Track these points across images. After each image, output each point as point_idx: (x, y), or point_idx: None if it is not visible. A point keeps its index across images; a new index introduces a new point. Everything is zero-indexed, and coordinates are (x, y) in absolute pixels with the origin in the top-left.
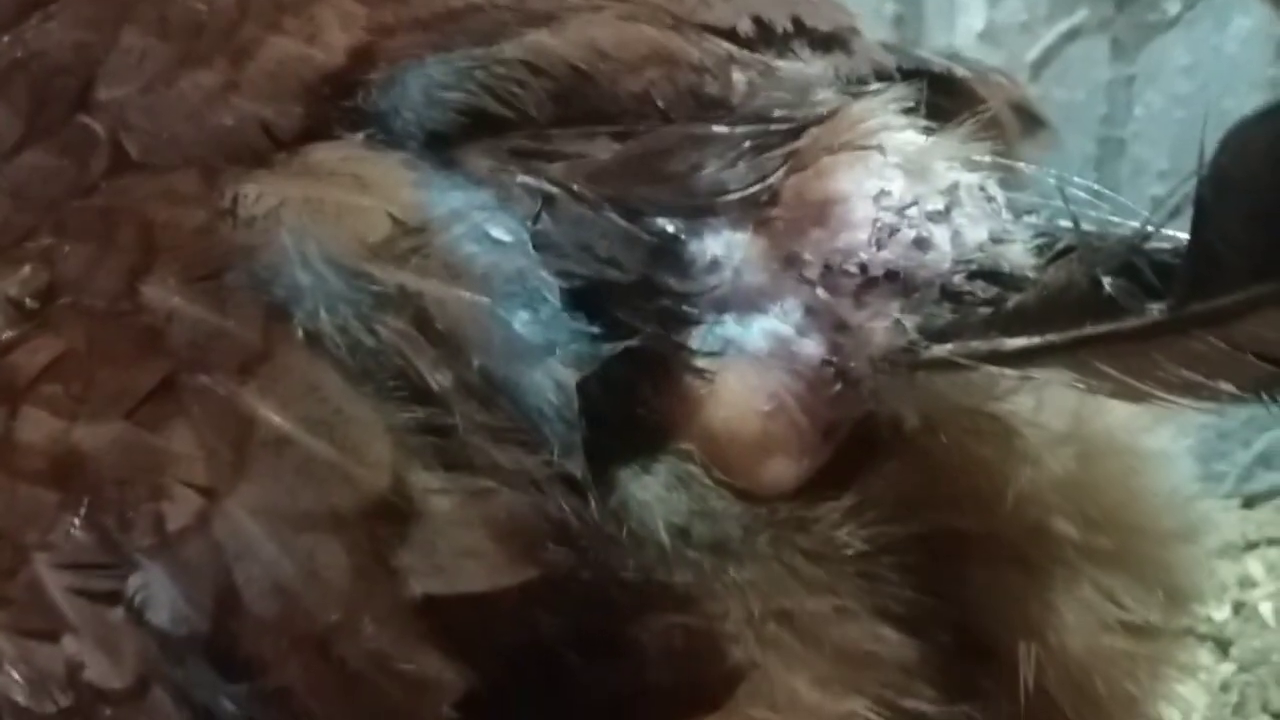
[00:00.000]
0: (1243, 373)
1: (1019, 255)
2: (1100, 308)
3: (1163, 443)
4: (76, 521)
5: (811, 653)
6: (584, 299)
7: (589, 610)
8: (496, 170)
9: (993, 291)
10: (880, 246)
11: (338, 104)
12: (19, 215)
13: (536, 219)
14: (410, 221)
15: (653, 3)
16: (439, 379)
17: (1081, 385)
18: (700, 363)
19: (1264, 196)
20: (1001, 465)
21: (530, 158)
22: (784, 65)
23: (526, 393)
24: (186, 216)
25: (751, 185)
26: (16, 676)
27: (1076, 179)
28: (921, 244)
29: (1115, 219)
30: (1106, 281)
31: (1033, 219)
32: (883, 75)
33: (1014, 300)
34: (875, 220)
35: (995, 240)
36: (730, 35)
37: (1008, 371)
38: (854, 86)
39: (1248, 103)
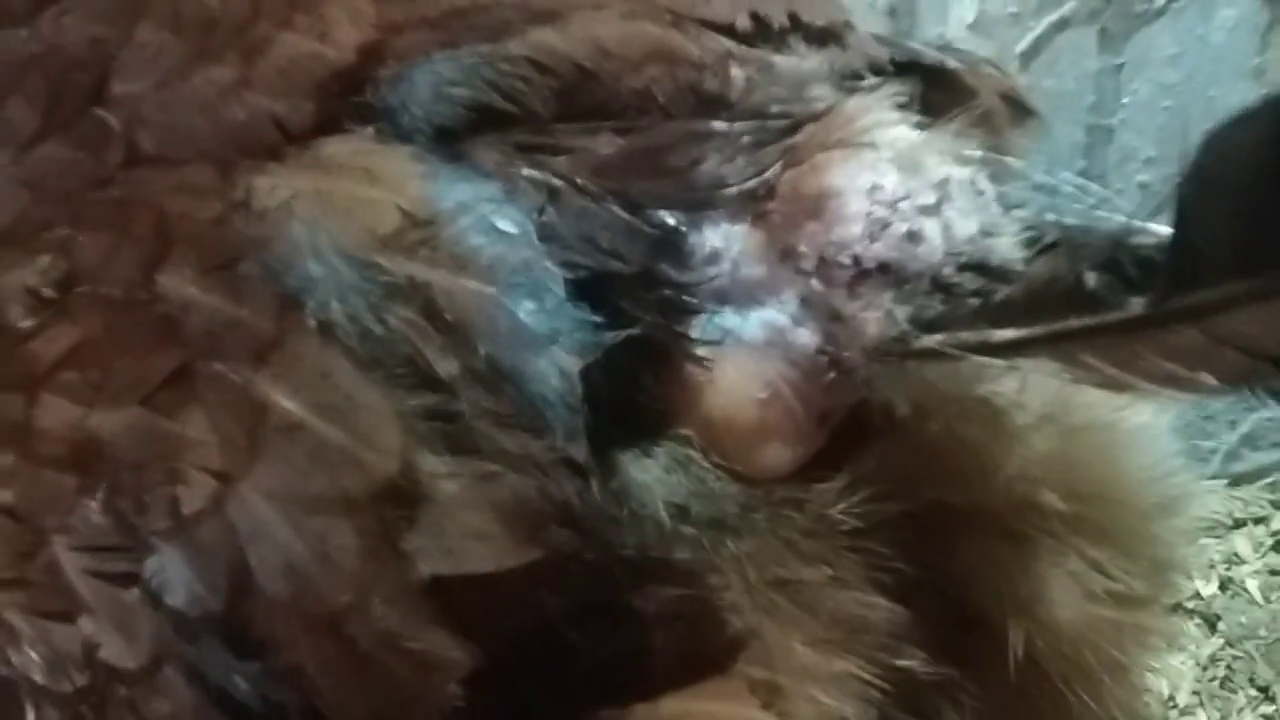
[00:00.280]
0: (1223, 366)
1: (1008, 248)
2: (1085, 301)
3: (1144, 418)
4: (94, 505)
5: (806, 617)
6: (587, 289)
7: (592, 589)
8: (502, 164)
9: (982, 283)
10: (873, 239)
11: (348, 99)
12: (37, 207)
13: (542, 212)
14: (419, 214)
15: (654, 0)
16: (446, 367)
17: (1067, 375)
18: (699, 351)
19: (1243, 196)
20: (988, 444)
21: (535, 152)
22: (781, 61)
23: (531, 380)
24: (201, 208)
25: (749, 180)
26: (35, 656)
27: (1065, 174)
28: (913, 237)
29: (1102, 212)
30: (1090, 277)
31: (1022, 212)
32: (876, 69)
33: (1002, 293)
34: (868, 214)
35: (985, 233)
36: (729, 31)
37: (995, 361)
38: (849, 81)
39: (1233, 91)
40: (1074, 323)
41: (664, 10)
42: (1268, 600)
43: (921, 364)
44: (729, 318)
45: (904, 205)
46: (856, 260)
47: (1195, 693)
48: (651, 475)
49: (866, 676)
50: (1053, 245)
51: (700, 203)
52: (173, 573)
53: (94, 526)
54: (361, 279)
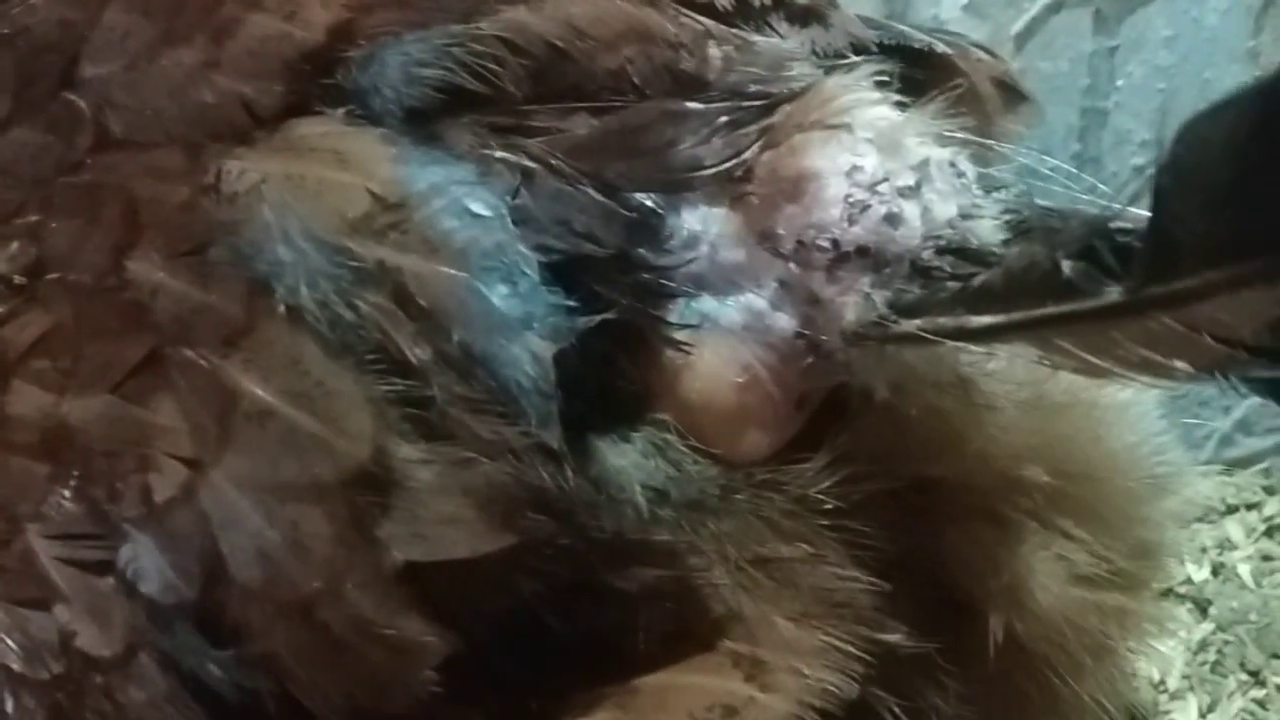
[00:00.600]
0: (1199, 353)
1: (987, 231)
2: (1062, 288)
3: (1130, 396)
4: (67, 493)
5: (787, 593)
6: (562, 273)
7: (569, 573)
8: (476, 146)
9: (961, 267)
10: (852, 222)
11: (318, 81)
12: (7, 192)
13: (515, 194)
14: (389, 197)
15: None
16: (418, 352)
17: (1043, 362)
18: (676, 335)
19: (1219, 186)
20: (967, 416)
21: (509, 133)
22: (760, 40)
23: (504, 365)
24: (170, 192)
25: (726, 161)
26: (11, 644)
27: (1046, 158)
28: (892, 220)
29: (1084, 196)
30: (1065, 265)
31: (1002, 194)
32: (860, 49)
33: (980, 278)
34: (847, 196)
35: (964, 216)
36: (708, 10)
37: (973, 347)
38: (830, 60)
39: (1228, 74)
40: (1051, 309)
41: None
42: (1259, 585)
43: (900, 348)
44: (706, 301)
45: (883, 187)
46: (835, 243)
47: (1186, 677)
48: (629, 460)
49: (849, 650)
50: (1030, 232)
51: (677, 184)
52: (146, 560)
53: (67, 514)
54: (331, 264)
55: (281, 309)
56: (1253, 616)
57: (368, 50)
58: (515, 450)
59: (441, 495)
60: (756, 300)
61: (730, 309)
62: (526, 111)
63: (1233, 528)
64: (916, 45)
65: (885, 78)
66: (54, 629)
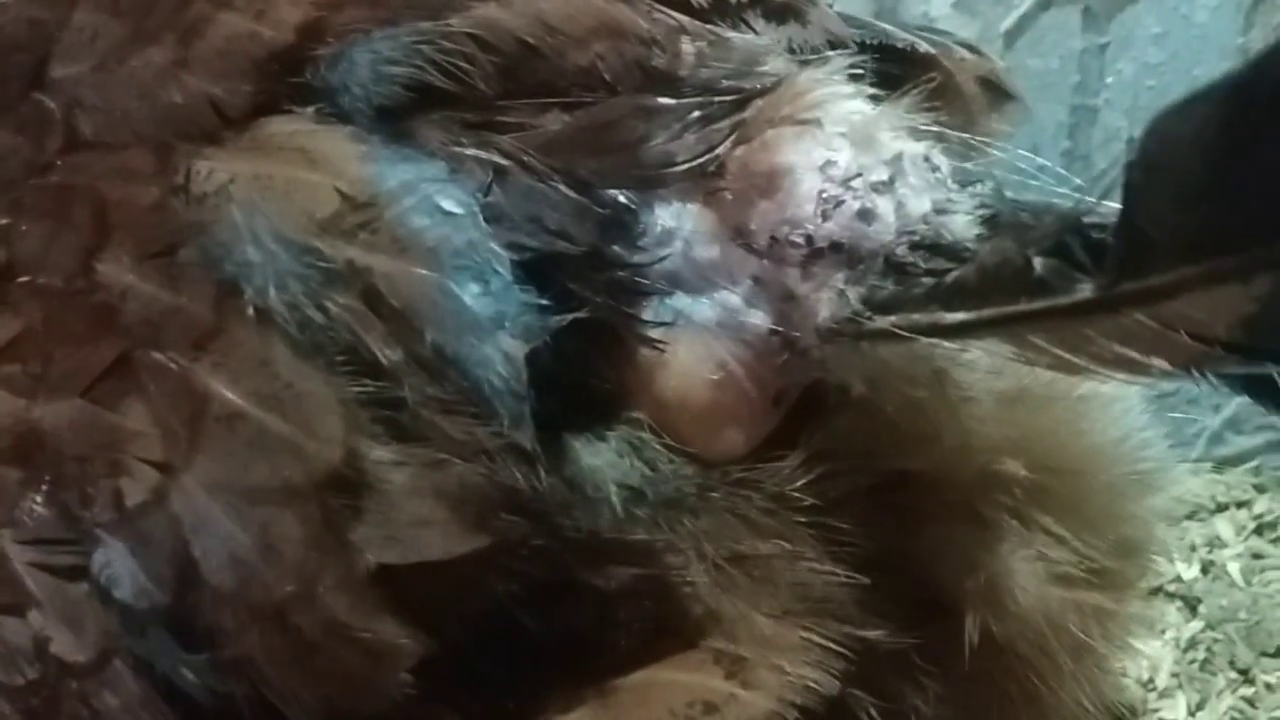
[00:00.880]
0: (1173, 350)
1: (961, 226)
2: (1035, 285)
3: (1115, 391)
4: (38, 498)
5: (766, 591)
6: (534, 271)
7: (544, 573)
8: (446, 143)
9: (935, 262)
10: (826, 218)
11: (287, 80)
12: None
13: (487, 191)
14: (358, 196)
15: None
16: (389, 353)
17: (1019, 358)
18: (650, 333)
19: (1190, 181)
20: (945, 408)
21: (480, 130)
22: (734, 36)
23: (476, 365)
24: (139, 194)
25: (699, 157)
26: None
27: (1021, 152)
28: (866, 215)
29: (1059, 190)
30: (1037, 262)
31: (977, 189)
32: (838, 47)
33: (953, 275)
34: (821, 192)
35: (938, 211)
36: (683, 6)
37: (947, 344)
38: (805, 55)
39: (1217, 71)
40: (1024, 306)
41: None
42: (1249, 583)
43: (875, 344)
44: (681, 298)
45: (857, 183)
46: (809, 239)
47: (1175, 675)
48: (603, 459)
49: (830, 647)
50: (1003, 228)
51: (649, 180)
52: (118, 565)
53: (39, 519)
54: (300, 264)
55: (250, 311)
56: (1242, 614)
57: (337, 48)
58: (488, 451)
59: (414, 497)
60: (731, 297)
61: (704, 306)
62: (497, 108)
63: (1222, 526)
64: (899, 45)
65: (859, 71)
66: (28, 635)
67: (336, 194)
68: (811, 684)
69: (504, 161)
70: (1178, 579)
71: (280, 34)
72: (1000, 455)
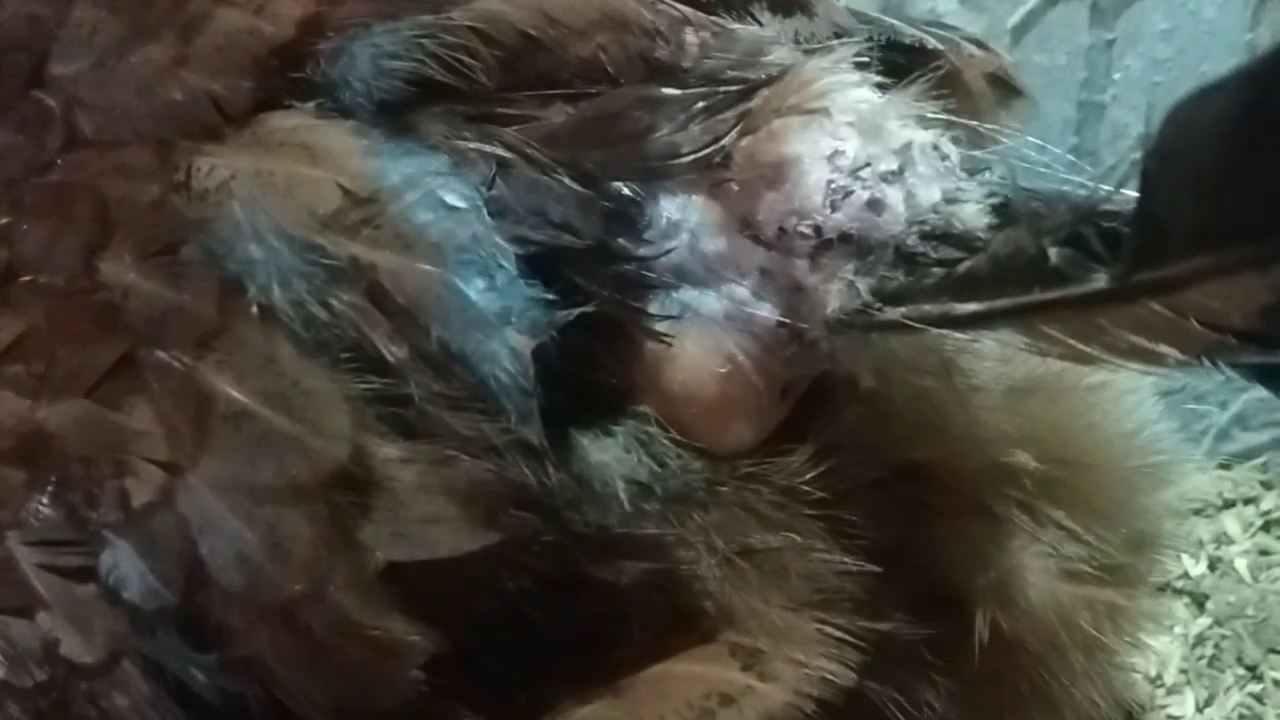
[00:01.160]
0: (1188, 339)
1: (972, 215)
2: (1049, 274)
3: (1128, 383)
4: (45, 499)
5: (778, 583)
6: (539, 265)
7: (554, 569)
8: (449, 136)
9: (946, 252)
10: (834, 209)
11: (287, 75)
12: None
13: (491, 184)
14: (360, 191)
15: None
16: (394, 350)
17: (1032, 348)
18: (657, 326)
19: (1207, 170)
20: (951, 398)
21: (483, 122)
22: (738, 27)
23: (482, 361)
24: (141, 192)
25: (704, 148)
26: None
27: (1030, 139)
28: (875, 205)
29: (1070, 179)
30: (1052, 252)
31: (987, 176)
32: (844, 37)
33: (965, 265)
34: (829, 182)
35: (948, 200)
36: (691, 1)
37: (958, 335)
38: (810, 44)
39: (1225, 67)
40: (1037, 296)
41: None
42: (1256, 580)
43: (885, 336)
44: (687, 291)
45: (865, 172)
46: (817, 230)
47: (1183, 671)
48: (611, 454)
49: (845, 639)
50: (1016, 218)
51: (654, 172)
52: (126, 566)
53: (46, 520)
54: (303, 262)
55: (254, 308)
56: (1250, 611)
57: (337, 43)
58: (496, 447)
59: (422, 494)
60: (738, 289)
61: (712, 298)
62: (500, 101)
63: (1230, 522)
64: (907, 41)
65: (865, 60)
66: (37, 637)
67: (339, 190)
68: (828, 676)
69: (507, 155)
70: (1185, 575)
71: (280, 29)
72: (1011, 447)
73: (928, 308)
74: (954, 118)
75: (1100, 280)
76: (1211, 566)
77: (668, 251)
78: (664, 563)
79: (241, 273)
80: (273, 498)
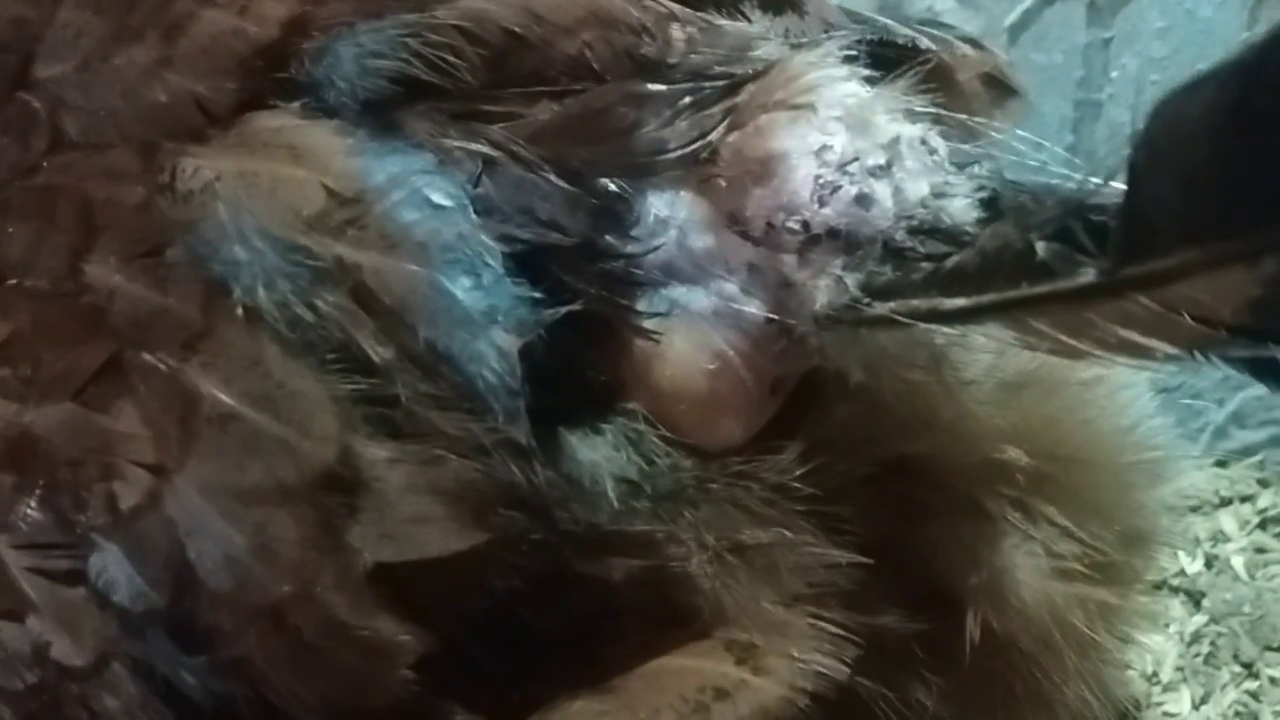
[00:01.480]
0: (1178, 333)
1: (960, 210)
2: (1037, 269)
3: (1124, 378)
4: (33, 503)
5: (771, 578)
6: (526, 263)
7: (543, 568)
8: (434, 134)
9: (934, 247)
10: (822, 204)
11: (271, 76)
12: None
13: (477, 182)
14: (345, 192)
15: None
16: (380, 350)
17: (1020, 343)
18: (646, 324)
19: (1194, 164)
20: (941, 392)
21: (468, 120)
22: (725, 23)
23: (469, 361)
24: (125, 193)
25: (691, 143)
26: None
27: (1019, 132)
28: (863, 200)
29: (1058, 171)
30: (1039, 246)
31: (975, 170)
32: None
33: (953, 260)
34: (817, 177)
35: (937, 195)
36: None
37: (947, 329)
38: (800, 40)
39: None
40: (1025, 291)
41: None
42: (1253, 578)
43: (874, 331)
44: (676, 288)
45: (853, 167)
46: (805, 226)
47: (1179, 669)
48: (600, 453)
49: (839, 633)
50: (1003, 212)
51: (641, 168)
52: (115, 569)
53: (34, 524)
54: (288, 263)
55: (240, 310)
56: (1246, 609)
57: (321, 42)
58: (484, 446)
59: (410, 494)
60: (727, 285)
61: (700, 295)
62: (485, 98)
63: (1226, 520)
64: (900, 40)
65: (853, 52)
66: (27, 640)
67: (323, 190)
68: (822, 670)
69: (493, 152)
70: (1181, 573)
71: (264, 29)
72: (1003, 443)
73: (916, 303)
74: (942, 111)
75: (1088, 274)
76: (1208, 564)
77: (655, 248)
78: (655, 559)
79: (226, 274)
80: (260, 499)
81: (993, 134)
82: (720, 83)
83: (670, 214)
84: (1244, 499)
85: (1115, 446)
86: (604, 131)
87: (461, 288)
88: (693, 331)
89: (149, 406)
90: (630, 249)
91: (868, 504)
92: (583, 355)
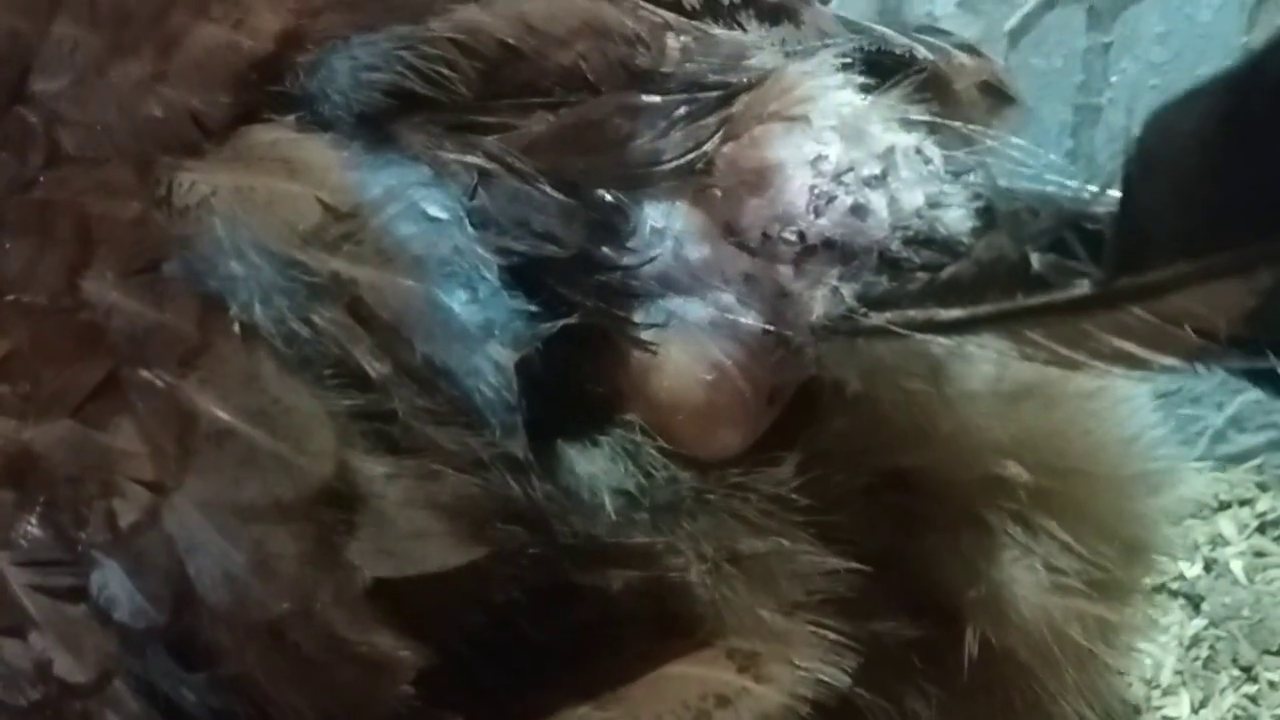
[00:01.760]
0: (1173, 344)
1: (955, 219)
2: (1032, 280)
3: (1126, 389)
4: (33, 520)
5: (769, 586)
6: (523, 275)
7: (542, 581)
8: (430, 147)
9: (929, 257)
10: (818, 214)
11: (266, 89)
12: None
13: (472, 195)
14: (341, 206)
15: None
16: (377, 366)
17: (1015, 353)
18: (642, 335)
19: (1189, 177)
20: (939, 401)
21: (463, 132)
22: (720, 32)
23: (466, 376)
24: (122, 209)
25: (686, 154)
26: None
27: (1014, 139)
28: (859, 211)
29: (1053, 179)
30: (1034, 258)
31: (970, 178)
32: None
33: (949, 271)
34: (812, 187)
35: (932, 204)
36: (675, 6)
37: (943, 340)
38: (796, 49)
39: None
40: (1021, 302)
41: None
42: (1251, 581)
43: (871, 341)
44: (672, 299)
45: (848, 177)
46: (801, 236)
47: (1178, 673)
48: (598, 465)
49: (840, 641)
50: (998, 224)
51: (636, 179)
52: (115, 586)
53: (35, 541)
54: (285, 278)
55: (236, 326)
56: (1245, 612)
57: (315, 55)
58: (482, 460)
59: (408, 509)
60: (723, 296)
61: (697, 305)
62: (480, 110)
63: (1225, 524)
64: (897, 50)
65: (848, 60)
66: (29, 657)
67: (319, 205)
68: (823, 677)
69: (488, 164)
70: (1181, 577)
71: (259, 43)
72: (1003, 457)
73: (912, 313)
74: (936, 119)
75: (1083, 286)
76: (1207, 568)
77: (652, 259)
78: (653, 570)
79: (223, 290)
80: (258, 516)
81: (989, 141)
82: (715, 93)
83: (666, 225)
84: (1243, 503)
85: (1117, 458)
86: (599, 143)
87: (458, 301)
88: (690, 342)
89: (147, 423)
90: (626, 260)
91: (866, 514)
92: (580, 367)
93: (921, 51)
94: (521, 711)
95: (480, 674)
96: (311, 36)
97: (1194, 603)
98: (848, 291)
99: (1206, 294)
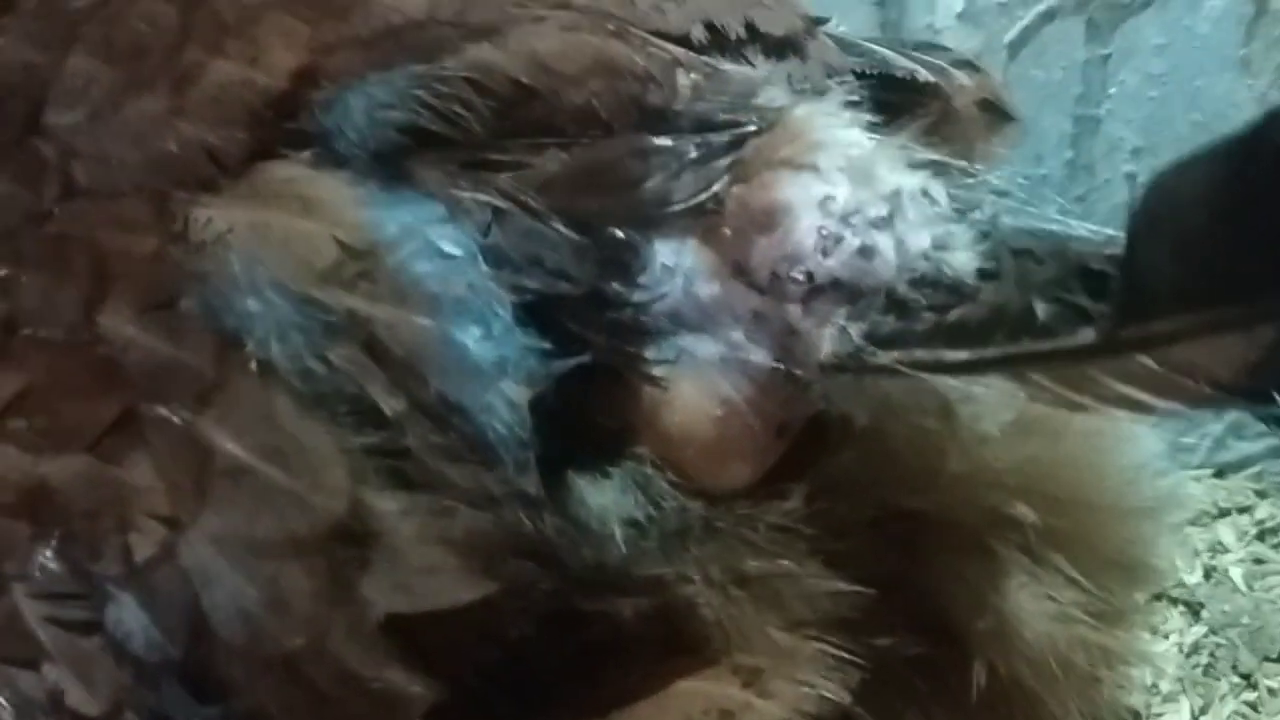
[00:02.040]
0: (1177, 391)
1: (961, 261)
2: (1038, 328)
3: (1129, 423)
4: (49, 553)
5: (775, 606)
6: (535, 312)
7: (553, 615)
8: (444, 184)
9: (936, 299)
10: (826, 255)
11: (281, 126)
12: None
13: (486, 232)
14: (357, 244)
15: (597, 9)
16: (392, 403)
17: (1021, 394)
18: (653, 370)
19: (1190, 235)
20: (947, 440)
21: (478, 170)
22: (730, 68)
23: (480, 413)
24: (138, 244)
25: (697, 195)
26: (3, 702)
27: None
28: (866, 252)
29: (1058, 218)
30: (1039, 307)
31: (976, 215)
32: (836, 75)
33: (955, 313)
34: (820, 228)
35: (938, 246)
36: (683, 42)
37: (950, 380)
38: (804, 84)
39: (1219, 82)
40: (1026, 347)
41: (607, 19)
42: (1251, 589)
43: (878, 379)
44: (683, 335)
45: (855, 219)
46: (809, 276)
47: (1178, 680)
48: (609, 497)
49: (844, 658)
50: (1004, 271)
51: (648, 220)
52: (130, 620)
53: (50, 574)
54: (301, 315)
55: (253, 364)
56: (1244, 620)
57: (331, 93)
58: (494, 496)
59: (421, 545)
60: (733, 333)
61: (707, 342)
62: (494, 148)
63: (1224, 531)
64: (898, 74)
65: (856, 99)
66: (43, 688)
67: (335, 243)
68: (826, 694)
69: (502, 203)
70: (1180, 584)
71: (274, 80)
72: (1010, 492)
73: (919, 353)
74: (943, 159)
75: (1088, 334)
76: (1207, 575)
77: (662, 297)
78: (662, 596)
79: (239, 327)
80: (272, 552)
81: (993, 180)
82: (726, 136)
83: (677, 262)
84: (1242, 510)
85: (1121, 488)
86: (612, 184)
87: (472, 338)
88: (700, 378)
89: (163, 459)
90: (638, 298)
91: (872, 543)
92: (591, 401)
93: (923, 74)
94: None
95: (491, 705)
96: (327, 74)
97: (1194, 610)
98: (855, 330)
99: (1209, 346)
